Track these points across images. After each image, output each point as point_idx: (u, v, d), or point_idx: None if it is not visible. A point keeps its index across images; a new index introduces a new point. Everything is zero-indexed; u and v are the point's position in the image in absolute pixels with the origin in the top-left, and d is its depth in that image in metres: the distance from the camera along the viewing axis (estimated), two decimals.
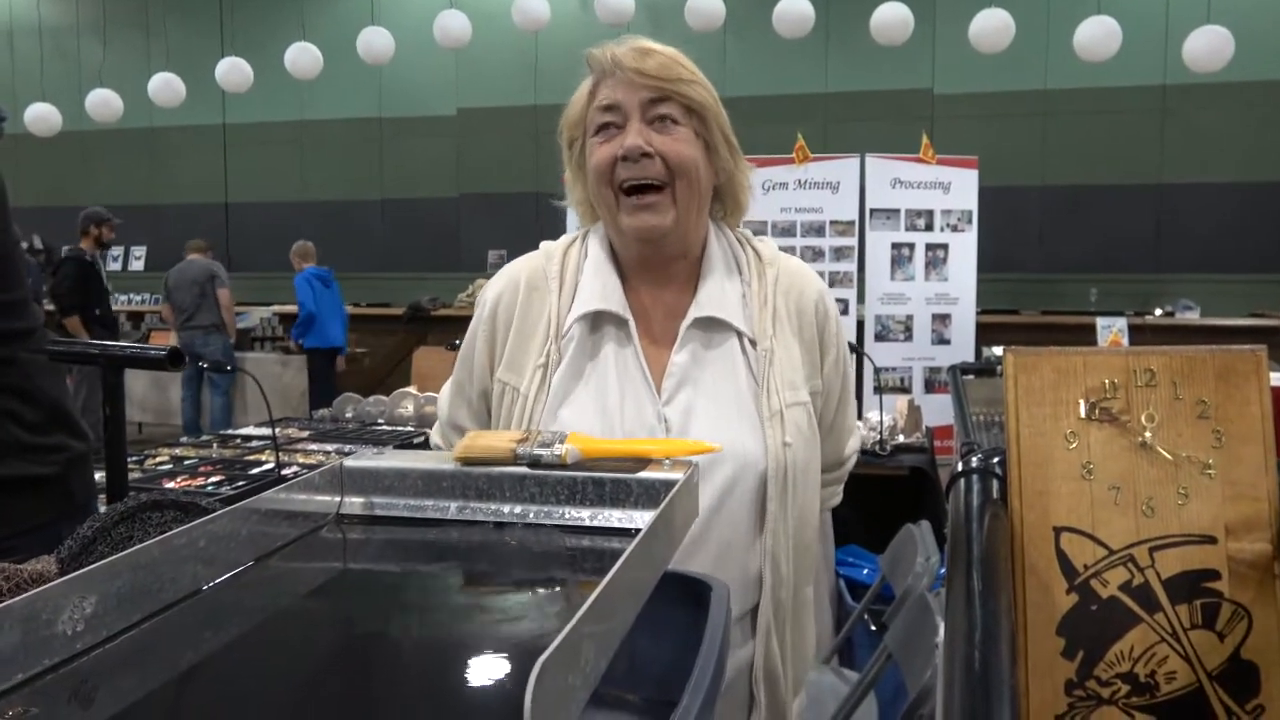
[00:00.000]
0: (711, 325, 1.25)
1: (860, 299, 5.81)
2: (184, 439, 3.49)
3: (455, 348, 1.39)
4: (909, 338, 5.81)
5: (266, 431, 3.25)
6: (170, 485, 2.56)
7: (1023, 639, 0.70)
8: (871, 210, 5.75)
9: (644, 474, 0.83)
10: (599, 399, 1.22)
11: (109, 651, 0.60)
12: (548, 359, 1.24)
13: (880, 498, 3.78)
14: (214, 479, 2.64)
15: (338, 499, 0.86)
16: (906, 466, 3.61)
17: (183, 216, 10.21)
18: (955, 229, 5.81)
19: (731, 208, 1.34)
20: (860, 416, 4.40)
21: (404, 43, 7.67)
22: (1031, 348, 0.75)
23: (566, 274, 1.30)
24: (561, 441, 0.85)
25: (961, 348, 5.81)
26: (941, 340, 5.82)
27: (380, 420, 3.85)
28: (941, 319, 5.83)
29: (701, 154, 1.22)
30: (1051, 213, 8.48)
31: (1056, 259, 8.42)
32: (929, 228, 5.79)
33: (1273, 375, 0.83)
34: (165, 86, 8.09)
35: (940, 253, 5.82)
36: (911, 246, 5.79)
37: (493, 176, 9.56)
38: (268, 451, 3.00)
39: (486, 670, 0.60)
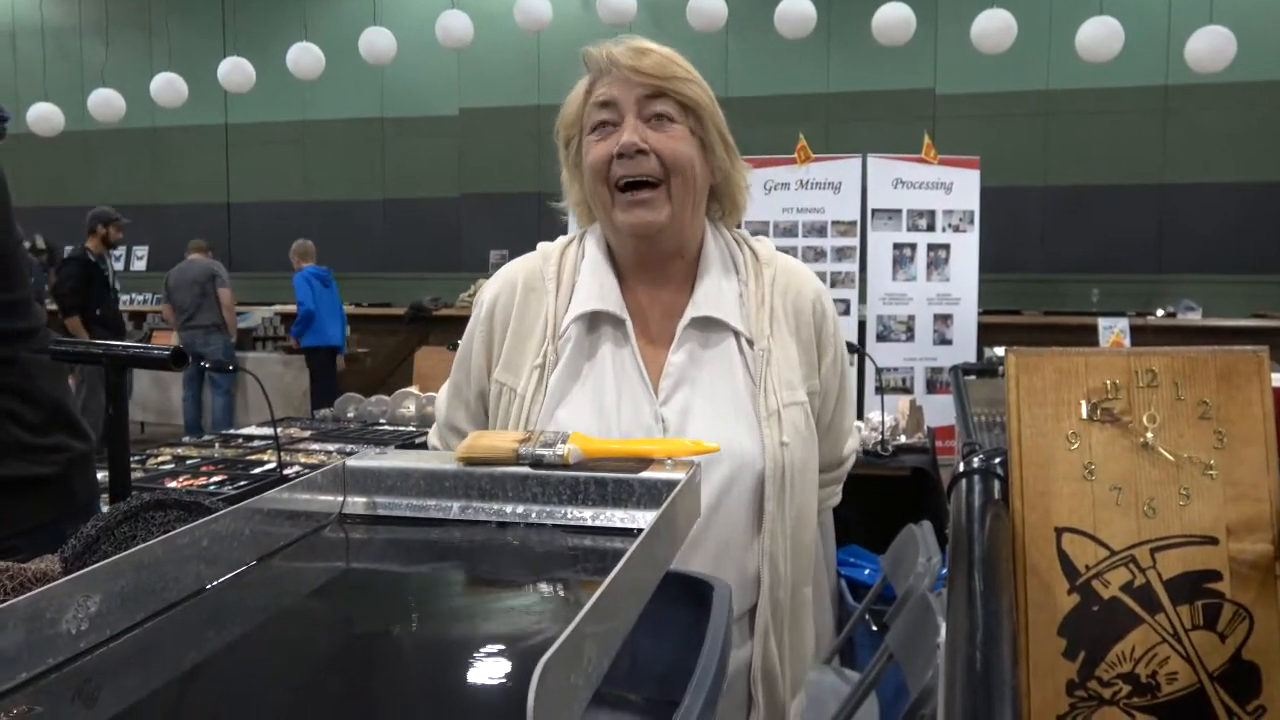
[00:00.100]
0: (708, 325, 1.25)
1: (862, 299, 5.81)
2: (186, 438, 3.49)
3: (457, 348, 1.39)
4: (911, 338, 5.80)
5: (268, 431, 3.25)
6: (172, 485, 2.56)
7: (1024, 639, 0.70)
8: (873, 210, 5.75)
9: (646, 474, 0.83)
10: (596, 399, 1.22)
11: (112, 650, 0.60)
12: (545, 359, 1.24)
13: (882, 498, 3.78)
14: (216, 479, 2.65)
15: (340, 499, 0.86)
16: (908, 467, 3.61)
17: (185, 216, 10.22)
18: (957, 229, 5.81)
19: (729, 207, 1.34)
20: (862, 417, 4.40)
21: (406, 43, 7.67)
22: (1033, 348, 0.75)
23: (564, 275, 1.30)
24: (564, 442, 0.85)
25: (963, 348, 5.81)
26: (943, 340, 5.82)
27: (382, 420, 3.85)
28: (943, 319, 5.83)
29: (697, 152, 1.22)
30: (1053, 213, 8.47)
31: (1058, 259, 8.42)
32: (931, 228, 5.79)
33: (1274, 376, 0.83)
34: (167, 86, 8.10)
35: (942, 253, 5.81)
36: (913, 247, 5.79)
37: (495, 176, 9.56)
38: (270, 451, 3.01)
39: (489, 670, 0.60)
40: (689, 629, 0.68)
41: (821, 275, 5.76)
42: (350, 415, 3.91)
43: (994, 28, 6.45)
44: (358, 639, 0.69)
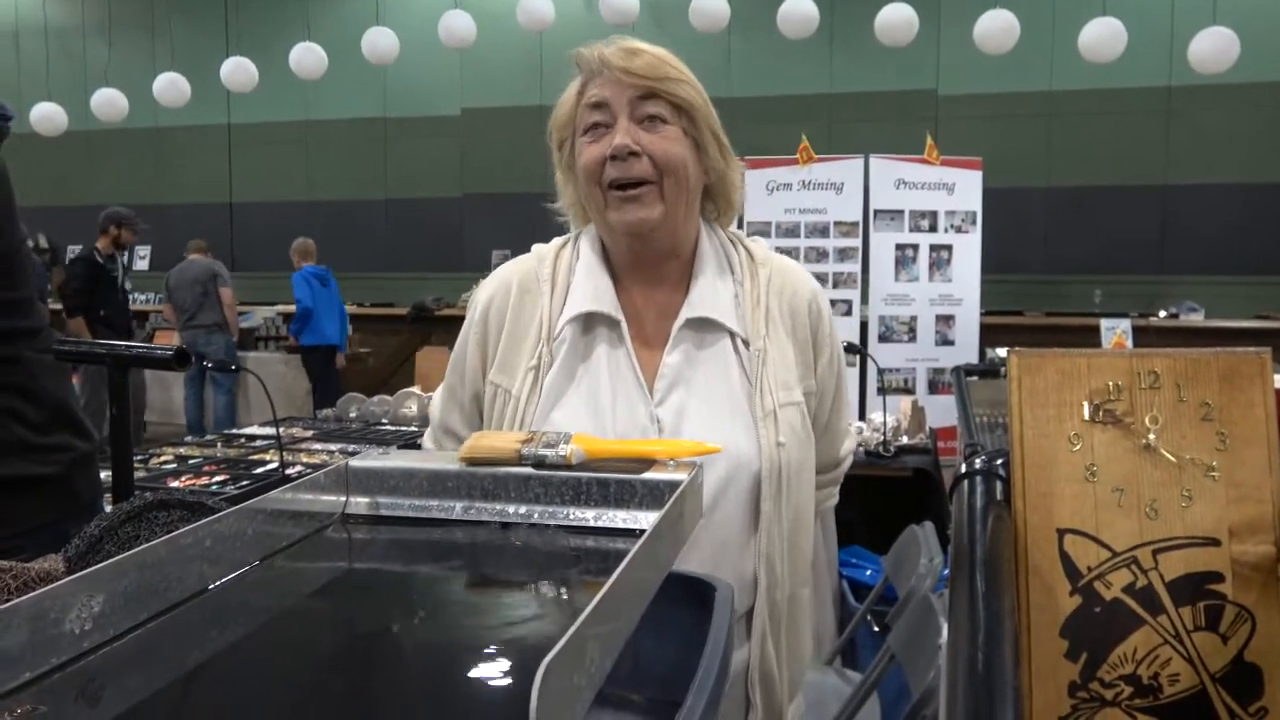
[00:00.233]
0: (704, 326, 1.25)
1: (864, 300, 5.80)
2: (188, 438, 3.50)
3: None
4: (913, 339, 5.80)
5: (270, 431, 3.25)
6: (175, 484, 2.56)
7: (1026, 641, 0.70)
8: (875, 211, 5.75)
9: (648, 475, 0.83)
10: (591, 400, 1.21)
11: (116, 650, 0.60)
12: (539, 361, 1.24)
13: (883, 499, 3.78)
14: (219, 478, 2.65)
15: (343, 499, 0.86)
16: (910, 467, 3.61)
17: (187, 216, 10.23)
18: (959, 230, 5.80)
19: (724, 207, 1.34)
20: (864, 417, 4.40)
21: (409, 43, 7.67)
22: (1035, 349, 0.75)
23: (558, 276, 1.29)
24: (566, 442, 0.85)
25: (965, 349, 5.80)
26: (945, 341, 5.81)
27: (384, 420, 3.85)
28: (945, 320, 5.82)
29: (690, 152, 1.22)
30: (1056, 214, 8.47)
31: (1061, 260, 8.41)
32: (933, 229, 5.79)
33: (1277, 377, 0.83)
34: (170, 86, 8.10)
35: (944, 254, 5.81)
36: (915, 247, 5.78)
37: (497, 177, 9.57)
38: (272, 451, 3.01)
39: (491, 670, 0.60)
40: (691, 629, 0.68)
41: (824, 276, 5.79)
42: (352, 415, 3.92)
43: (997, 28, 6.44)
44: (360, 639, 0.69)
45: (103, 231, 6.96)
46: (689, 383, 1.22)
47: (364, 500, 0.87)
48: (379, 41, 7.40)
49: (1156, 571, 0.70)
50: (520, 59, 9.07)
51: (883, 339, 5.77)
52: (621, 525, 0.82)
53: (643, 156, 1.18)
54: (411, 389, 4.06)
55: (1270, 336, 6.86)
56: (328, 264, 7.85)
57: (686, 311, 1.24)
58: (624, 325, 1.24)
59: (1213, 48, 6.12)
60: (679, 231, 1.26)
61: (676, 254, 1.28)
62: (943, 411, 5.21)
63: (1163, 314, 7.74)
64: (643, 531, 0.67)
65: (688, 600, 0.74)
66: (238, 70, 7.87)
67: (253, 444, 3.22)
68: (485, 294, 1.32)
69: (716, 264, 1.29)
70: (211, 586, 0.69)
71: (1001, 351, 4.96)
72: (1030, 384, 0.74)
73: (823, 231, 5.77)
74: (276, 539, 0.76)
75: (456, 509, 0.85)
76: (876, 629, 2.65)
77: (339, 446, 3.18)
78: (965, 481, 0.75)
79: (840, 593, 3.28)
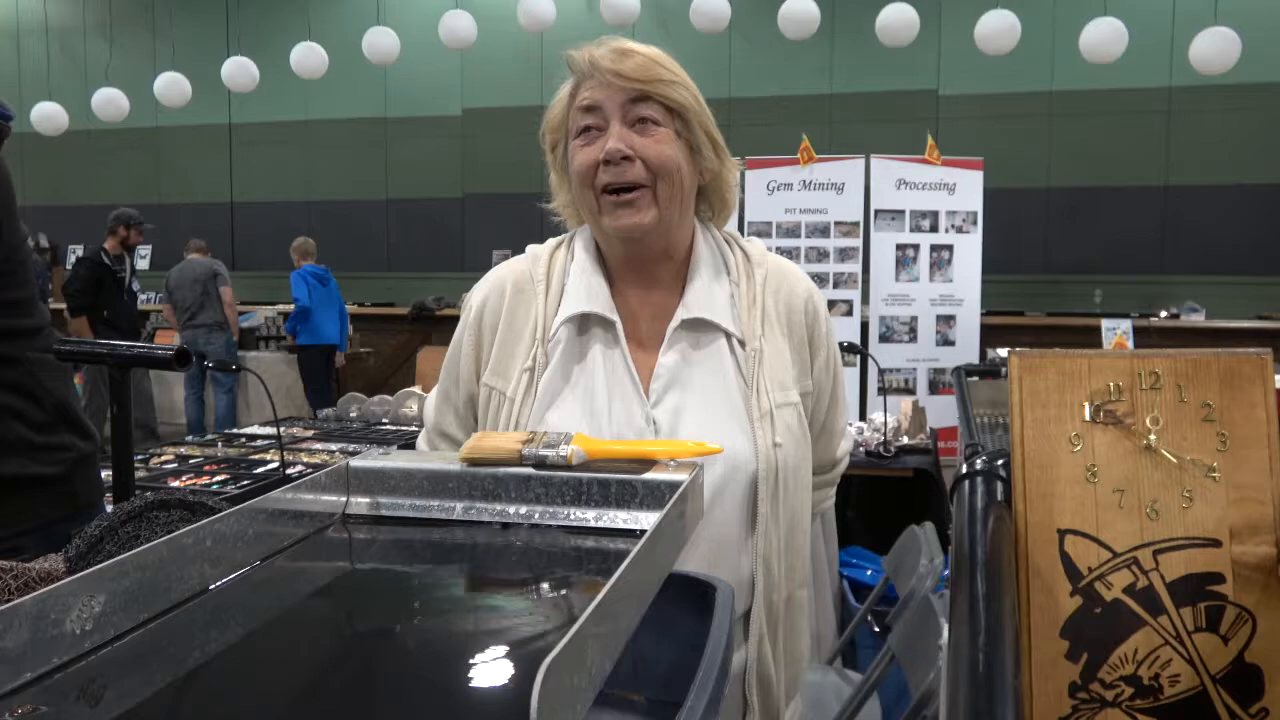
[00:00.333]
0: (699, 326, 1.24)
1: (865, 300, 5.81)
2: (189, 438, 3.50)
3: None
4: (913, 339, 5.80)
5: (271, 430, 3.26)
6: (176, 484, 2.57)
7: (1026, 641, 0.70)
8: (876, 211, 5.75)
9: (649, 475, 0.83)
10: (586, 402, 1.21)
11: (117, 650, 0.60)
12: (534, 362, 1.23)
13: (884, 499, 3.78)
14: (219, 478, 2.65)
15: (344, 499, 0.86)
16: (910, 468, 3.61)
17: (188, 215, 10.24)
18: (960, 230, 5.80)
19: (719, 207, 1.33)
20: (864, 418, 4.40)
21: (409, 43, 7.67)
22: (1036, 350, 0.75)
23: (553, 277, 1.28)
24: (567, 442, 0.85)
25: (966, 349, 5.81)
26: (946, 342, 5.81)
27: (384, 420, 3.85)
28: (946, 320, 5.82)
29: (684, 154, 1.21)
30: (1057, 214, 8.47)
31: (1061, 260, 8.41)
32: (934, 229, 5.79)
33: (1278, 378, 0.83)
34: (171, 86, 8.10)
35: (945, 254, 5.81)
36: (916, 248, 5.79)
37: (497, 177, 9.57)
38: (273, 451, 3.01)
39: (492, 671, 0.60)
40: (692, 630, 0.68)
41: (824, 276, 5.79)
42: (353, 415, 3.92)
43: (998, 29, 6.44)
44: (361, 640, 0.69)
45: (111, 232, 6.95)
46: (685, 384, 1.22)
47: (365, 500, 0.87)
48: (380, 41, 7.40)
49: (1157, 572, 0.70)
50: (521, 59, 9.07)
51: (883, 339, 5.78)
52: (622, 526, 0.81)
53: (636, 160, 1.18)
54: (412, 389, 4.06)
55: (1271, 337, 6.85)
56: (329, 264, 7.85)
57: (682, 312, 1.24)
58: (619, 326, 1.24)
59: (1214, 48, 6.11)
60: (673, 234, 1.25)
61: (671, 255, 1.27)
62: (943, 412, 5.21)
63: (1164, 314, 7.74)
64: (643, 532, 0.67)
65: (688, 600, 0.74)
66: (239, 70, 7.87)
67: (253, 444, 3.22)
68: (479, 296, 1.31)
69: (712, 264, 1.29)
70: (212, 587, 0.69)
71: (1002, 352, 4.96)
72: (1031, 384, 0.74)
73: (823, 231, 5.77)
74: (277, 539, 0.76)
75: (457, 509, 0.85)
76: (877, 629, 2.65)
77: (339, 446, 3.18)
78: (966, 482, 0.75)
79: (841, 593, 3.28)
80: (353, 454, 1.19)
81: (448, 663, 0.63)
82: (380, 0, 8.94)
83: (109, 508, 1.23)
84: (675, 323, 1.23)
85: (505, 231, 9.19)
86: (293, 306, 7.55)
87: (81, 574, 0.59)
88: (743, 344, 1.24)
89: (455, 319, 1.38)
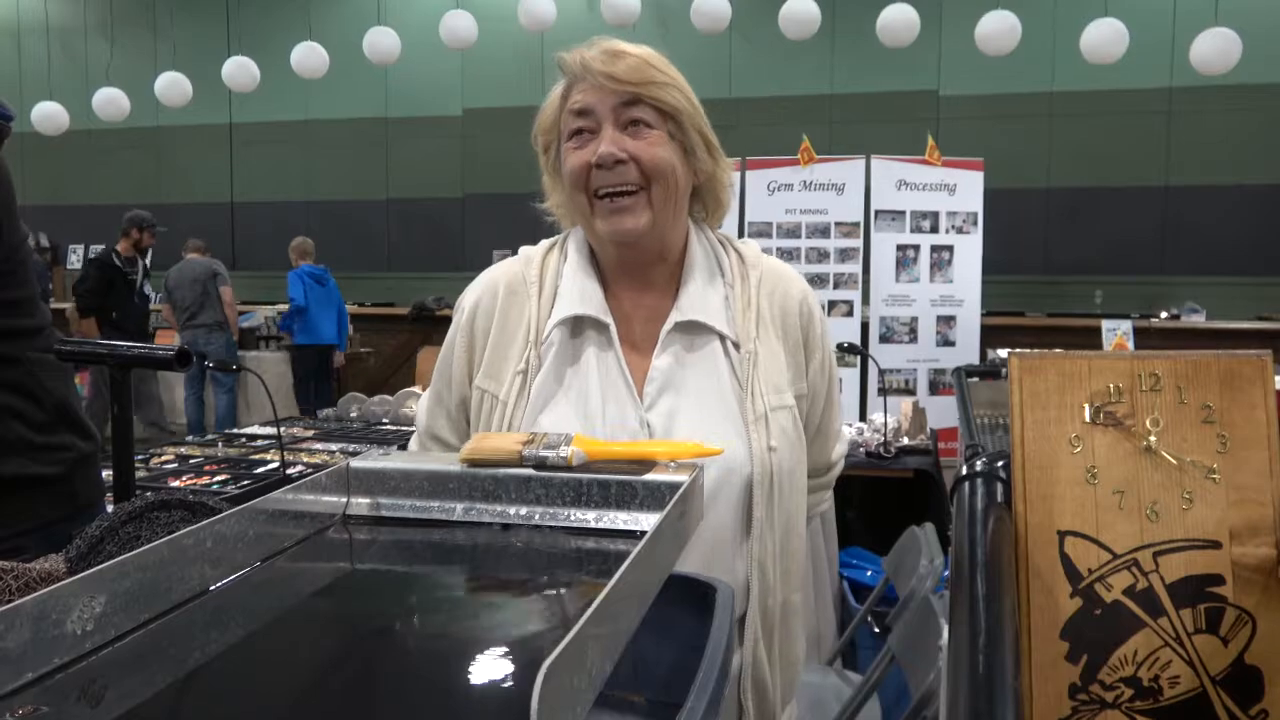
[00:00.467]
0: (693, 329, 1.23)
1: (865, 301, 5.81)
2: (189, 438, 3.50)
3: None
4: (914, 340, 5.80)
5: (271, 431, 3.26)
6: (176, 484, 2.57)
7: (1026, 642, 0.70)
8: (877, 212, 5.75)
9: (649, 476, 0.83)
10: (580, 405, 1.20)
11: (118, 651, 0.60)
12: (528, 365, 1.22)
13: (884, 500, 3.78)
14: (220, 478, 2.65)
15: (344, 500, 0.87)
16: (910, 469, 3.61)
17: (189, 215, 10.24)
18: (960, 231, 5.80)
19: (713, 207, 1.32)
20: (864, 418, 4.40)
21: (410, 43, 7.67)
22: (1036, 351, 0.75)
23: (546, 279, 1.28)
24: (567, 444, 0.85)
25: (966, 350, 5.81)
26: (946, 342, 5.81)
27: (385, 420, 3.85)
28: (946, 321, 5.82)
29: (677, 156, 1.20)
30: (1057, 215, 8.47)
31: (1062, 261, 8.41)
32: (934, 229, 5.79)
33: (1278, 380, 0.83)
34: (172, 86, 8.11)
35: (945, 254, 5.81)
36: (916, 248, 5.79)
37: (498, 177, 9.56)
38: (273, 451, 3.01)
39: (493, 672, 0.60)
40: (692, 631, 0.68)
41: (824, 276, 5.79)
42: (353, 415, 3.92)
43: (998, 29, 6.44)
44: (361, 640, 0.69)
45: (124, 234, 6.94)
46: (679, 386, 1.21)
47: (365, 501, 0.87)
48: (380, 41, 7.40)
49: (1157, 574, 0.70)
50: (521, 59, 9.07)
51: (884, 340, 5.77)
52: (622, 527, 0.82)
53: (629, 163, 1.17)
54: (412, 388, 4.06)
55: (1271, 338, 6.85)
56: (329, 264, 7.85)
57: (676, 315, 1.23)
58: (613, 329, 1.23)
59: (1214, 49, 6.11)
60: (668, 236, 1.24)
61: (665, 257, 1.26)
62: (943, 413, 5.21)
63: (1164, 315, 7.74)
64: (644, 533, 0.67)
65: (688, 601, 0.74)
66: (239, 70, 7.88)
67: (253, 444, 3.22)
68: (471, 298, 1.30)
69: (706, 266, 1.28)
70: (213, 587, 0.69)
71: (1002, 353, 4.96)
72: (1031, 386, 0.74)
73: (824, 232, 5.77)
74: (278, 540, 0.76)
75: (457, 510, 0.85)
76: (877, 630, 2.65)
77: (340, 446, 3.18)
78: (966, 483, 0.75)
79: (841, 594, 3.28)
80: (353, 454, 1.19)
81: (448, 664, 0.63)
82: (381, 0, 8.94)
83: (109, 508, 1.23)
84: (669, 325, 1.22)
85: (505, 232, 9.15)
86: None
87: (82, 574, 0.59)
88: (737, 346, 1.23)
89: None
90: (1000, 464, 0.75)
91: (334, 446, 3.18)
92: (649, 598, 0.63)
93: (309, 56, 7.65)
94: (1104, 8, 6.63)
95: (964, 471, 0.76)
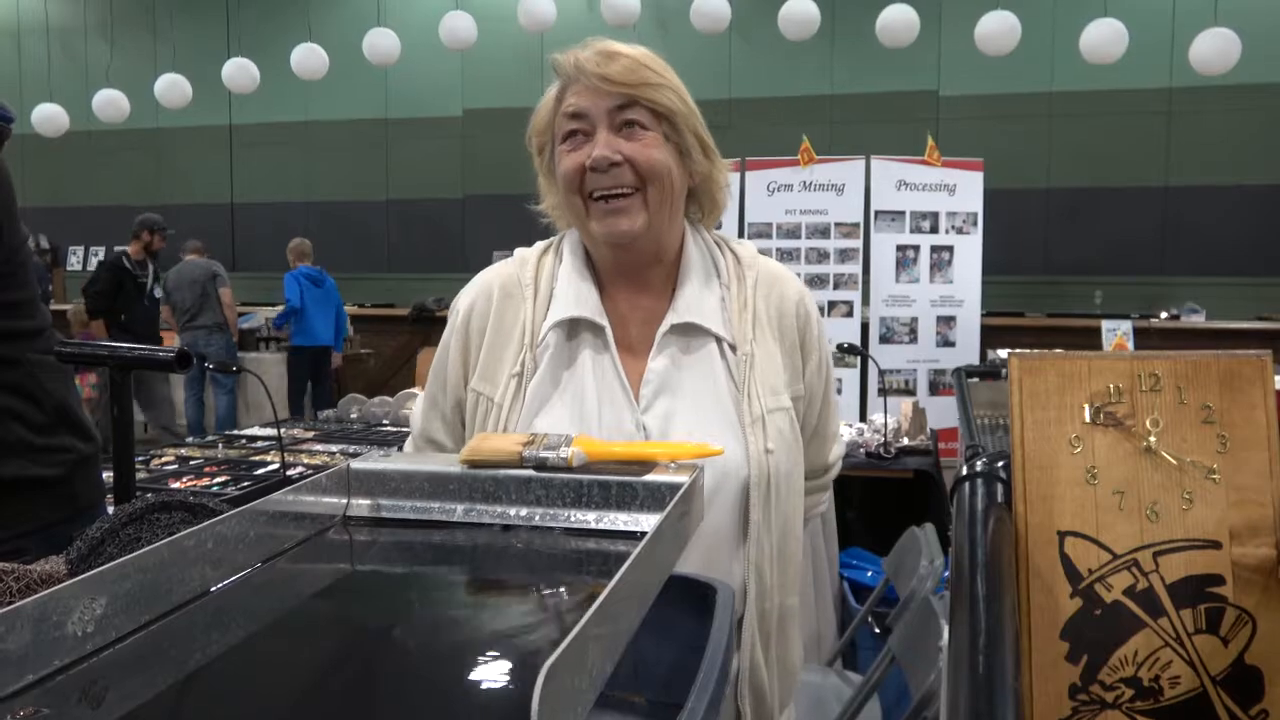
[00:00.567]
0: (689, 331, 1.22)
1: (865, 301, 5.81)
2: (189, 439, 3.50)
3: None
4: (914, 340, 5.81)
5: (271, 432, 3.26)
6: (176, 486, 2.57)
7: (1026, 643, 0.70)
8: (876, 212, 5.76)
9: (650, 477, 0.83)
10: (576, 407, 1.19)
11: (118, 653, 0.60)
12: (523, 368, 1.21)
13: (884, 500, 3.78)
14: (220, 479, 2.65)
15: (345, 501, 0.87)
16: (911, 469, 3.61)
17: (188, 217, 10.24)
18: (960, 231, 5.81)
19: (709, 208, 1.31)
20: (864, 419, 4.40)
21: (410, 44, 7.68)
22: (1036, 351, 0.75)
23: (541, 281, 1.27)
24: (568, 445, 0.85)
25: (966, 350, 5.81)
26: (946, 343, 5.82)
27: (385, 421, 3.85)
28: (946, 321, 5.83)
29: (673, 158, 1.19)
30: (1057, 215, 8.47)
31: (1062, 262, 8.41)
32: (934, 230, 5.80)
33: (1278, 380, 0.83)
34: (172, 87, 8.11)
35: (945, 255, 5.82)
36: (916, 249, 5.79)
37: (498, 177, 9.55)
38: (273, 452, 3.01)
39: (493, 672, 0.60)
40: (692, 632, 0.68)
41: (824, 277, 5.80)
42: (353, 416, 3.92)
43: (998, 29, 6.44)
44: (362, 641, 0.69)
45: (135, 237, 6.95)
46: (675, 389, 1.20)
47: (365, 502, 0.87)
48: (380, 42, 7.40)
49: (1157, 574, 0.70)
50: (521, 60, 9.06)
51: (883, 340, 5.78)
52: (623, 528, 0.82)
53: (624, 165, 1.16)
54: (412, 390, 4.06)
55: (1271, 338, 6.85)
56: (329, 265, 7.84)
57: (671, 317, 1.22)
58: (609, 331, 1.22)
59: (1214, 49, 6.11)
60: (663, 238, 1.24)
61: (661, 259, 1.26)
62: (943, 413, 5.22)
63: (1164, 315, 7.74)
64: (644, 534, 0.67)
65: (688, 602, 0.74)
66: (239, 71, 7.88)
67: (254, 445, 3.22)
68: (466, 300, 1.30)
69: (702, 268, 1.27)
70: (213, 589, 0.69)
71: (1002, 353, 4.96)
72: (1031, 386, 0.74)
73: (824, 232, 5.77)
74: (278, 541, 0.76)
75: (458, 511, 0.85)
76: (877, 631, 2.65)
77: (340, 448, 3.18)
78: (966, 483, 0.75)
79: (841, 594, 3.28)
80: (353, 455, 1.19)
81: (449, 665, 0.63)
82: (381, 1, 8.94)
83: (110, 509, 1.23)
84: (665, 327, 1.22)
85: (505, 232, 9.14)
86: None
87: (83, 576, 0.59)
88: (733, 348, 1.23)
89: None
90: (1000, 464, 0.75)
91: (334, 448, 3.18)
92: (649, 598, 0.63)
93: (309, 58, 7.65)
94: (1103, 8, 6.63)
95: (964, 472, 0.76)
